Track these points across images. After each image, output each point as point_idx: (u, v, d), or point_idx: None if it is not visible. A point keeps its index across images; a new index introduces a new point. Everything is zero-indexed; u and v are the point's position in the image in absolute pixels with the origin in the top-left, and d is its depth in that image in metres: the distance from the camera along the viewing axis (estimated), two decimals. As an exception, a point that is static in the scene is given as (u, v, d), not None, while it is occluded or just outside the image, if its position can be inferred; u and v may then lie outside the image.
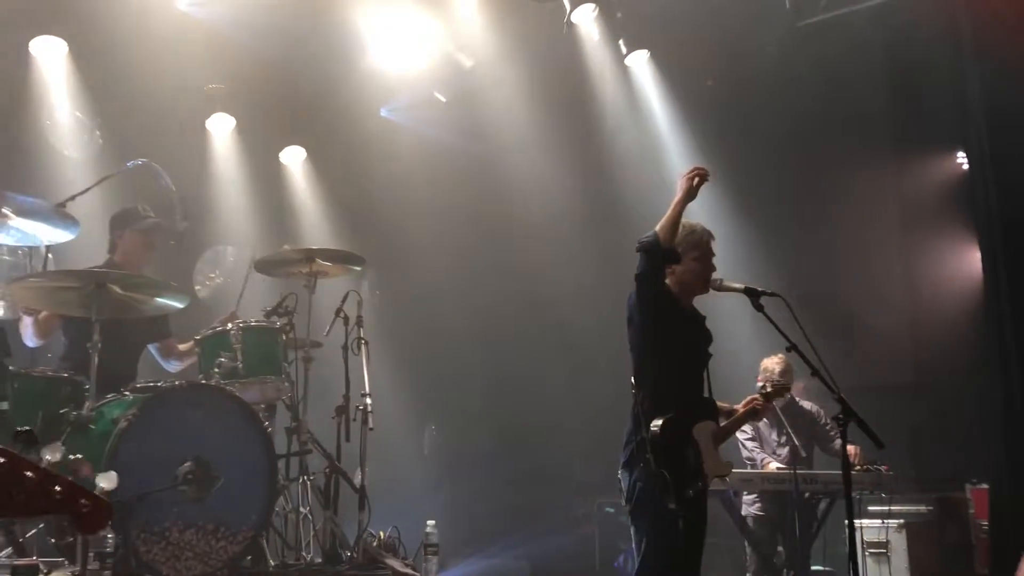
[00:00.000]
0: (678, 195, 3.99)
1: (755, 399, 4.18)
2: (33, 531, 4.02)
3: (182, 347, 5.32)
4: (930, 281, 7.89)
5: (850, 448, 4.20)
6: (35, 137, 6.94)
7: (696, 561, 3.95)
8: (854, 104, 7.92)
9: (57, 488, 1.73)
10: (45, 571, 3.61)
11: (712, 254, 4.13)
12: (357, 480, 4.83)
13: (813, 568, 5.81)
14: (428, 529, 4.91)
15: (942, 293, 7.77)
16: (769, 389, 4.22)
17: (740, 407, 4.19)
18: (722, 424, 4.03)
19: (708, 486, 3.92)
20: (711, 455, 3.87)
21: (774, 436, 6.12)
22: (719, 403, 4.14)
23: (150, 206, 5.25)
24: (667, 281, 4.02)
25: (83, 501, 1.76)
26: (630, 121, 8.41)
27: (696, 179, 4.00)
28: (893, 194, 8.12)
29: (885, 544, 5.91)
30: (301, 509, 4.78)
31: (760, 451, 6.06)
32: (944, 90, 7.29)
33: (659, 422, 3.74)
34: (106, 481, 2.84)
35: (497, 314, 8.66)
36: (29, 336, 4.86)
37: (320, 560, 4.64)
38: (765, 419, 6.12)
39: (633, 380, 3.96)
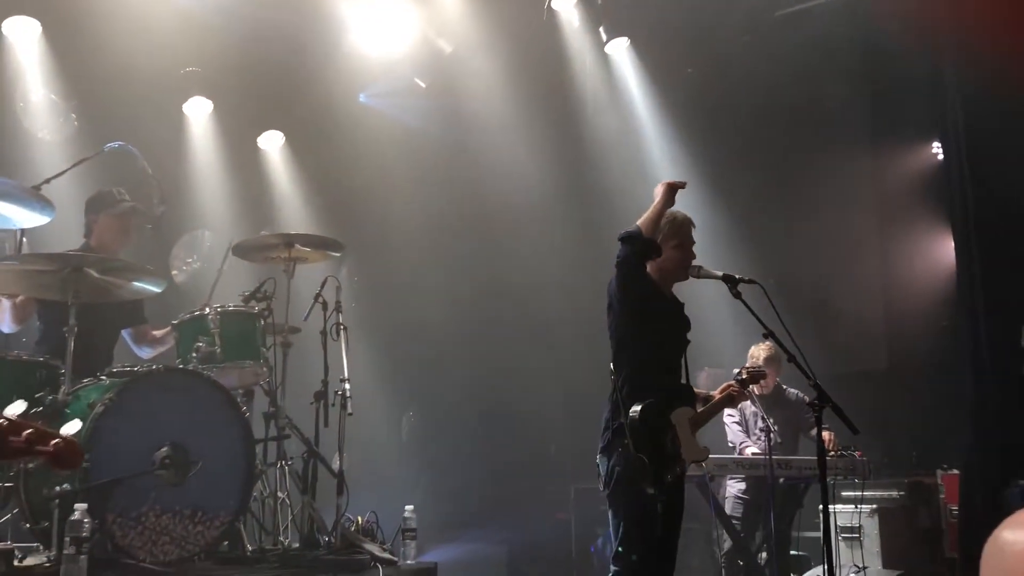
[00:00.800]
0: (659, 199, 4.07)
1: (731, 385, 4.22)
2: (7, 516, 4.00)
3: (157, 333, 5.28)
4: (904, 270, 7.98)
5: (825, 434, 4.25)
6: (9, 119, 6.86)
7: (673, 545, 4.00)
8: (831, 93, 7.98)
9: (28, 431, 1.86)
10: (20, 556, 3.60)
11: (692, 242, 4.18)
12: (335, 465, 4.83)
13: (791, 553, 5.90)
14: (406, 514, 4.91)
15: (916, 281, 7.86)
16: (744, 375, 4.26)
17: (716, 393, 4.23)
18: (699, 410, 4.06)
19: (686, 471, 3.96)
20: (688, 441, 3.90)
21: (759, 423, 6.18)
22: (696, 390, 4.19)
23: (127, 189, 5.19)
24: (648, 268, 4.08)
25: (54, 441, 1.88)
26: (610, 108, 8.43)
27: (676, 188, 4.10)
28: (869, 183, 8.19)
29: (858, 529, 5.99)
30: (279, 494, 4.78)
31: (743, 436, 6.12)
32: (920, 80, 7.36)
33: (638, 407, 3.78)
34: (70, 428, 2.79)
35: (476, 300, 8.67)
36: (6, 322, 4.82)
37: (298, 545, 4.65)
38: (752, 405, 6.19)
39: (612, 366, 4.01)
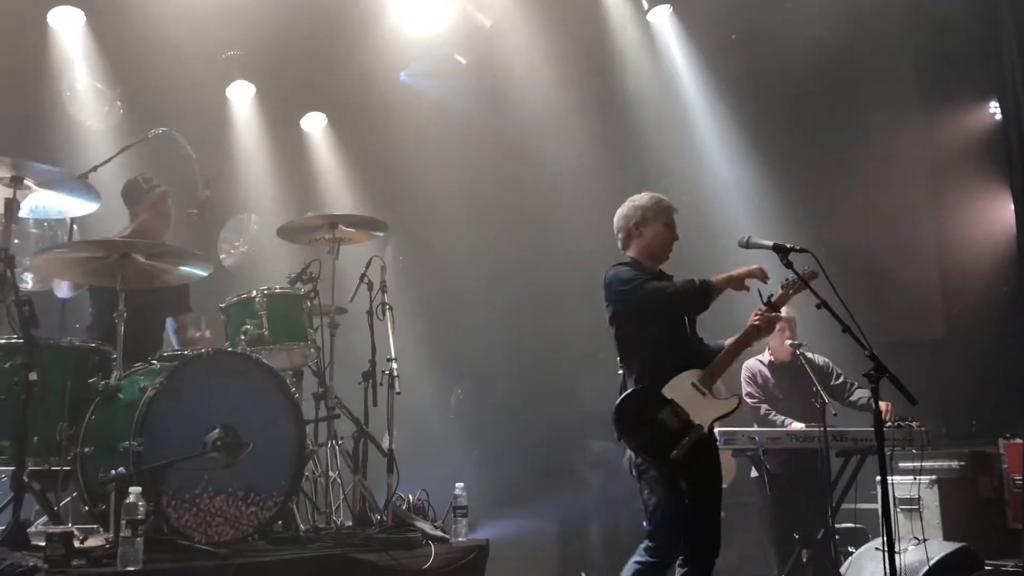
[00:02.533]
0: (735, 275, 4.04)
1: (758, 313, 4.09)
2: (67, 499, 4.08)
3: (195, 334, 5.29)
4: (961, 234, 7.75)
5: (882, 404, 4.14)
6: (56, 108, 6.95)
7: (713, 512, 3.97)
8: (883, 55, 7.74)
9: None
10: (80, 538, 3.66)
11: (675, 224, 4.26)
12: (385, 444, 4.85)
13: (843, 525, 5.79)
14: (457, 491, 4.92)
15: (973, 246, 7.64)
16: (776, 298, 4.07)
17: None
18: (714, 360, 4.03)
19: (707, 432, 3.92)
20: (698, 403, 3.92)
21: (779, 395, 6.03)
22: (717, 343, 4.16)
23: (171, 175, 5.25)
24: (631, 252, 4.21)
25: None
26: (653, 77, 8.29)
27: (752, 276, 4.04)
28: (924, 146, 7.95)
29: (917, 500, 5.86)
30: (330, 474, 4.82)
31: (773, 412, 5.97)
32: (976, 38, 7.11)
33: (617, 402, 3.94)
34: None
35: (521, 275, 8.62)
36: (64, 288, 4.90)
37: (350, 524, 4.68)
38: (772, 378, 6.06)
39: (619, 361, 4.13)
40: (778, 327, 5.87)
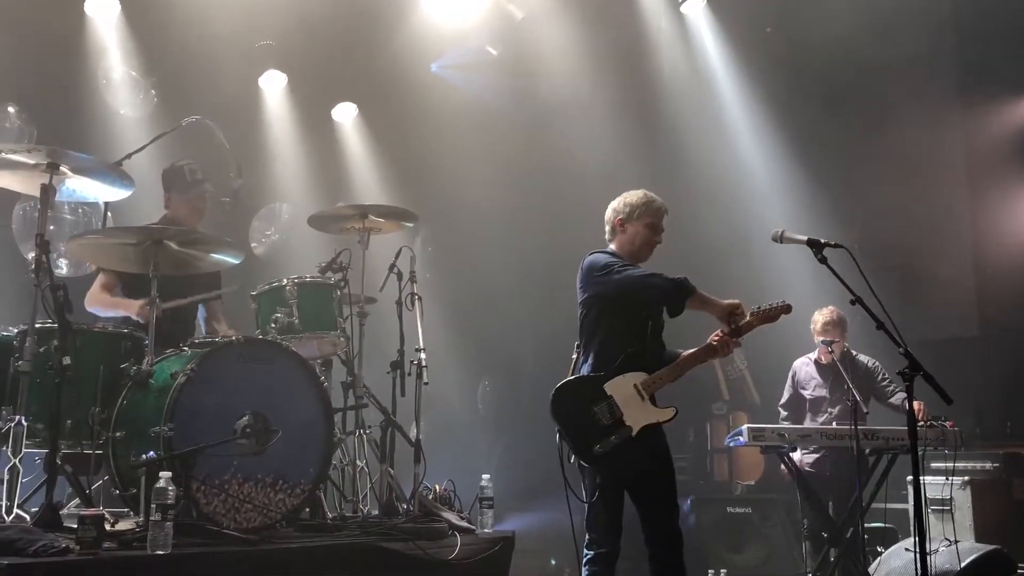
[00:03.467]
0: (718, 307, 3.96)
1: (717, 334, 4.02)
2: (99, 483, 4.13)
3: (223, 328, 5.29)
4: (997, 231, 7.62)
5: (915, 403, 4.08)
6: (92, 97, 7.03)
7: (616, 511, 4.00)
8: (918, 49, 7.63)
9: None
10: (112, 521, 3.70)
11: (662, 229, 4.24)
12: (412, 434, 4.86)
13: (872, 525, 5.73)
14: (483, 483, 4.92)
15: (1009, 243, 7.50)
16: (742, 322, 3.98)
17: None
18: (661, 371, 3.99)
19: (636, 436, 3.90)
20: (635, 406, 3.92)
21: (824, 393, 5.99)
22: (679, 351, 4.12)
23: (204, 163, 5.26)
24: (613, 245, 4.22)
25: None
26: (686, 70, 8.22)
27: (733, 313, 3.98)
28: (959, 141, 7.83)
29: (949, 501, 5.78)
30: (358, 462, 4.84)
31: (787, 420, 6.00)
32: (1013, 32, 6.98)
33: (558, 385, 4.01)
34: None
35: (549, 269, 8.57)
36: (99, 308, 4.88)
37: (377, 512, 4.70)
38: (817, 377, 6.02)
39: (576, 343, 4.19)
40: (821, 323, 5.85)
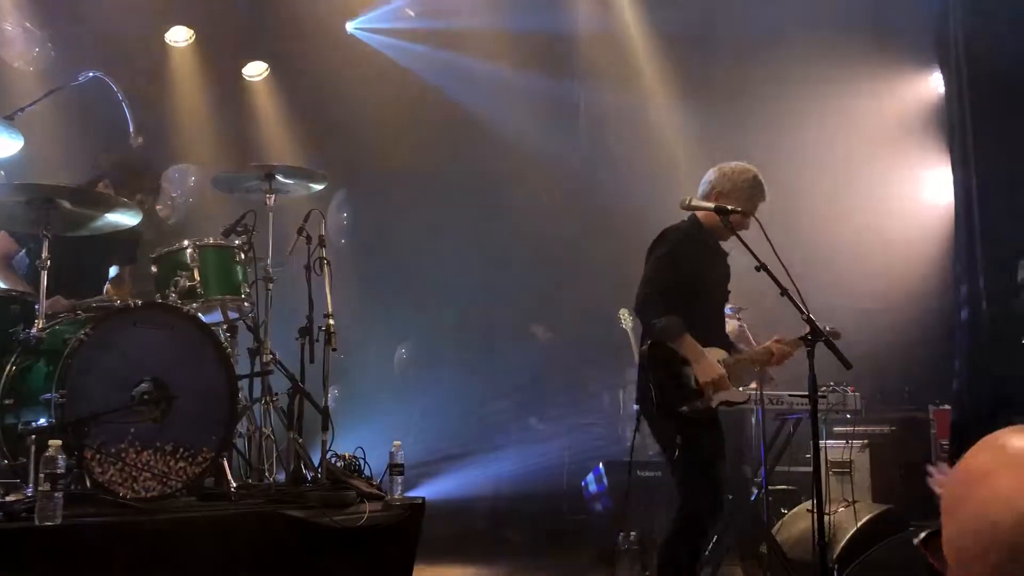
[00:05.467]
0: (699, 364, 3.95)
1: (782, 340, 4.17)
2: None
3: (113, 290, 5.11)
4: (901, 203, 7.84)
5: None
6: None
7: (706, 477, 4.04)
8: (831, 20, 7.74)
9: None
10: (1, 493, 3.55)
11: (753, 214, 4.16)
12: (321, 402, 4.77)
13: (776, 487, 5.89)
14: (393, 449, 4.87)
15: (914, 215, 7.73)
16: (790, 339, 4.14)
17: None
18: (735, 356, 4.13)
19: (711, 406, 3.96)
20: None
21: None
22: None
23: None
24: (701, 214, 4.13)
25: None
26: (603, 27, 8.22)
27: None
28: (866, 116, 7.99)
29: (849, 463, 5.98)
30: (264, 430, 4.73)
31: None
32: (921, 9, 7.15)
33: (652, 339, 3.95)
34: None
35: (470, 235, 8.55)
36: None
37: (283, 481, 4.61)
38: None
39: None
40: None
